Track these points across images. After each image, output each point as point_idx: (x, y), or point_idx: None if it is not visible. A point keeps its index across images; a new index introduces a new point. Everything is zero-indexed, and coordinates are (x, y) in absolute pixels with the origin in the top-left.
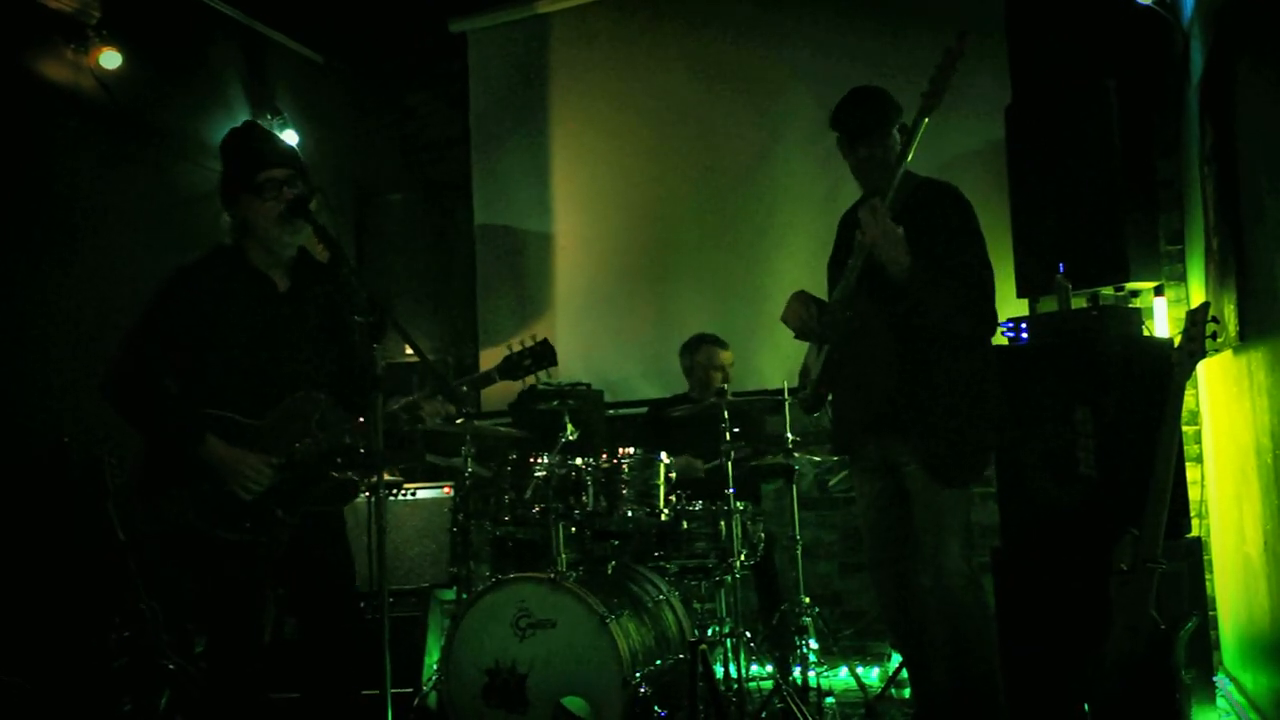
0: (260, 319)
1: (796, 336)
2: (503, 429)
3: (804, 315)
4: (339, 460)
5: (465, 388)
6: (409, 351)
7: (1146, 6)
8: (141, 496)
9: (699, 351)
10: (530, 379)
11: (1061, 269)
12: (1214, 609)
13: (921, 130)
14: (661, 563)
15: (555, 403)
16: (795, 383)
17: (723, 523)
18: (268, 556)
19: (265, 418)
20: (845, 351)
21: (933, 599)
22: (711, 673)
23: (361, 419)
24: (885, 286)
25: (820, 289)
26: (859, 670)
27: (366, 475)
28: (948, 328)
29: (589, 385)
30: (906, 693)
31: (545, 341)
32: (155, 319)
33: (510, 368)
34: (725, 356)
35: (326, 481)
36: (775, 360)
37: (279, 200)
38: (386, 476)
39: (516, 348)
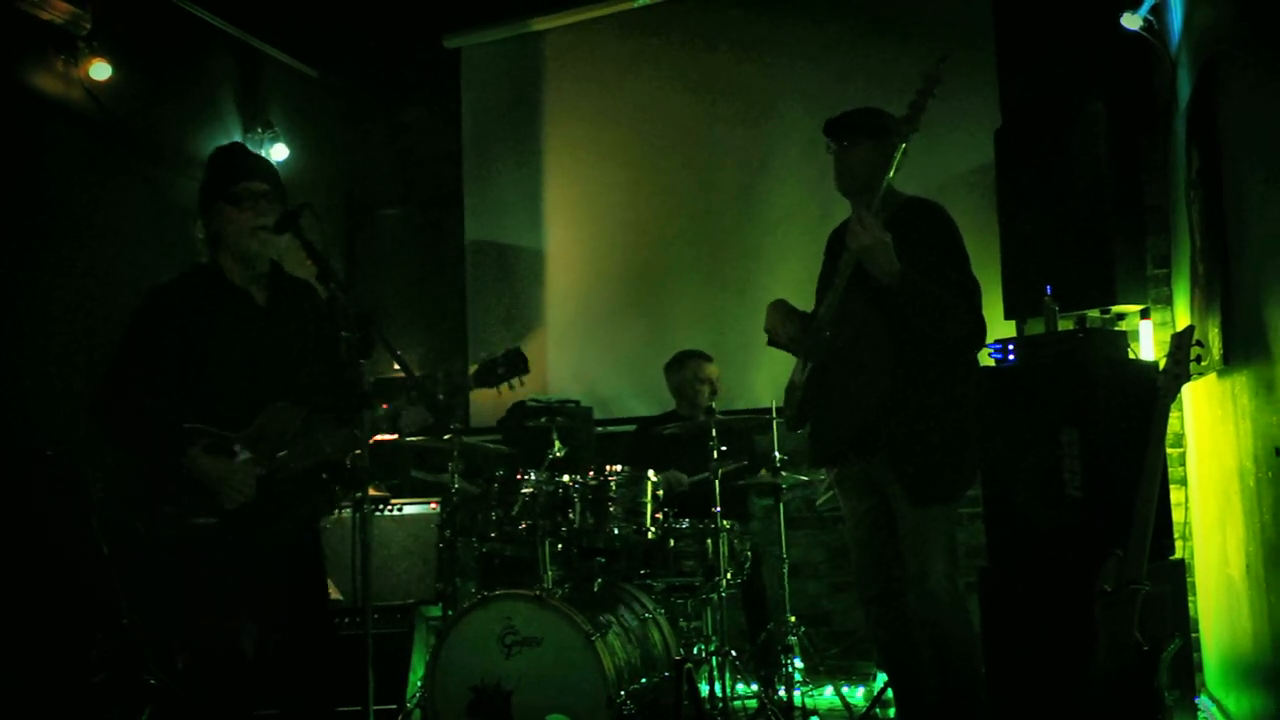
0: (239, 334)
1: (769, 343)
2: (491, 445)
3: (783, 325)
4: (321, 473)
5: (443, 396)
6: (397, 368)
7: (1134, 33)
8: (142, 509)
9: (685, 367)
10: (504, 388)
11: (1049, 291)
12: (1197, 630)
13: (900, 152)
14: (648, 580)
15: (544, 419)
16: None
17: (710, 541)
18: (266, 564)
19: (244, 430)
20: (828, 369)
21: (917, 619)
22: (697, 691)
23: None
24: (871, 302)
25: (811, 304)
26: (844, 690)
27: (352, 491)
28: (936, 336)
29: (578, 402)
30: (891, 713)
31: (518, 350)
32: (134, 341)
33: (484, 375)
34: (711, 370)
35: (308, 492)
36: (766, 378)
37: (254, 213)
38: (373, 492)
39: (491, 357)
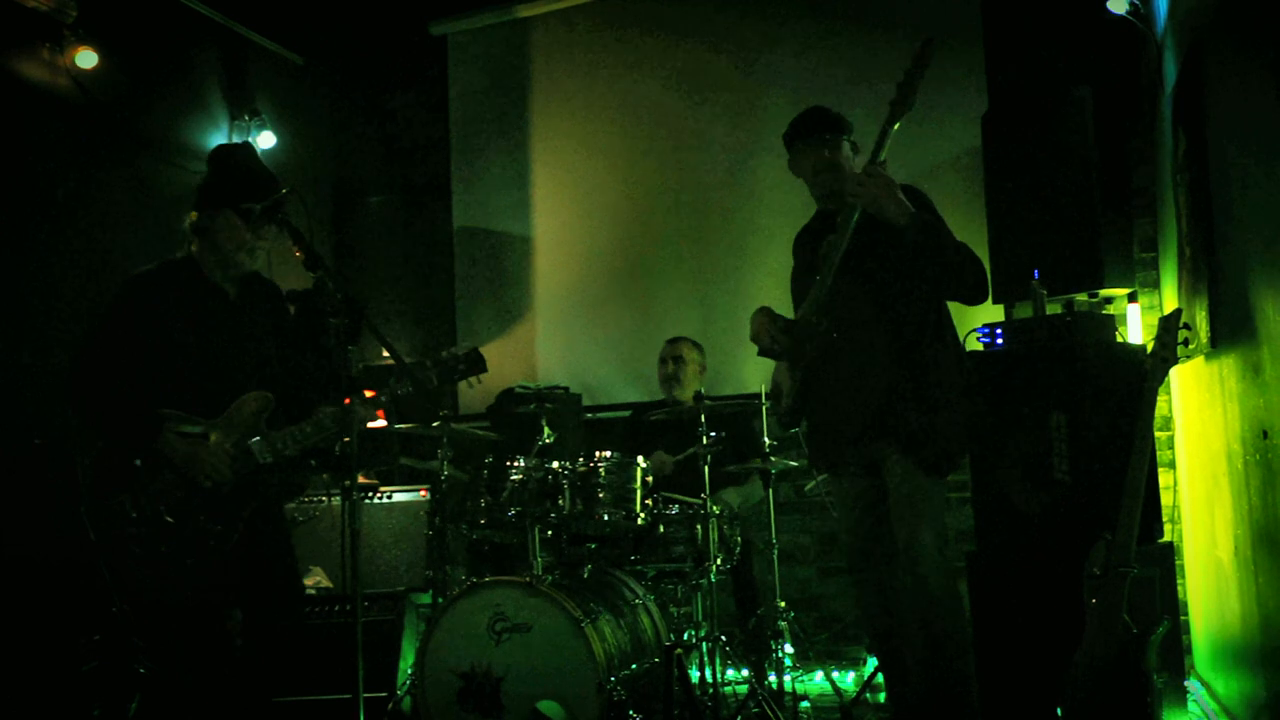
0: (213, 326)
1: (760, 353)
2: (479, 432)
3: (772, 331)
4: (311, 459)
5: (404, 389)
6: (386, 354)
7: (1121, 17)
8: (92, 500)
9: (660, 353)
10: (469, 384)
11: (1036, 275)
12: (1186, 613)
13: (892, 134)
14: (638, 566)
15: (533, 406)
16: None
17: (699, 527)
18: (221, 550)
19: (217, 418)
20: (821, 362)
21: (907, 593)
22: (687, 677)
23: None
24: (862, 288)
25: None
26: (834, 675)
27: (339, 478)
28: (951, 278)
29: (567, 388)
30: (882, 697)
31: (475, 349)
32: (111, 326)
33: (444, 371)
34: (677, 348)
35: (275, 478)
36: (754, 364)
37: (256, 236)
38: (362, 479)
39: (451, 353)
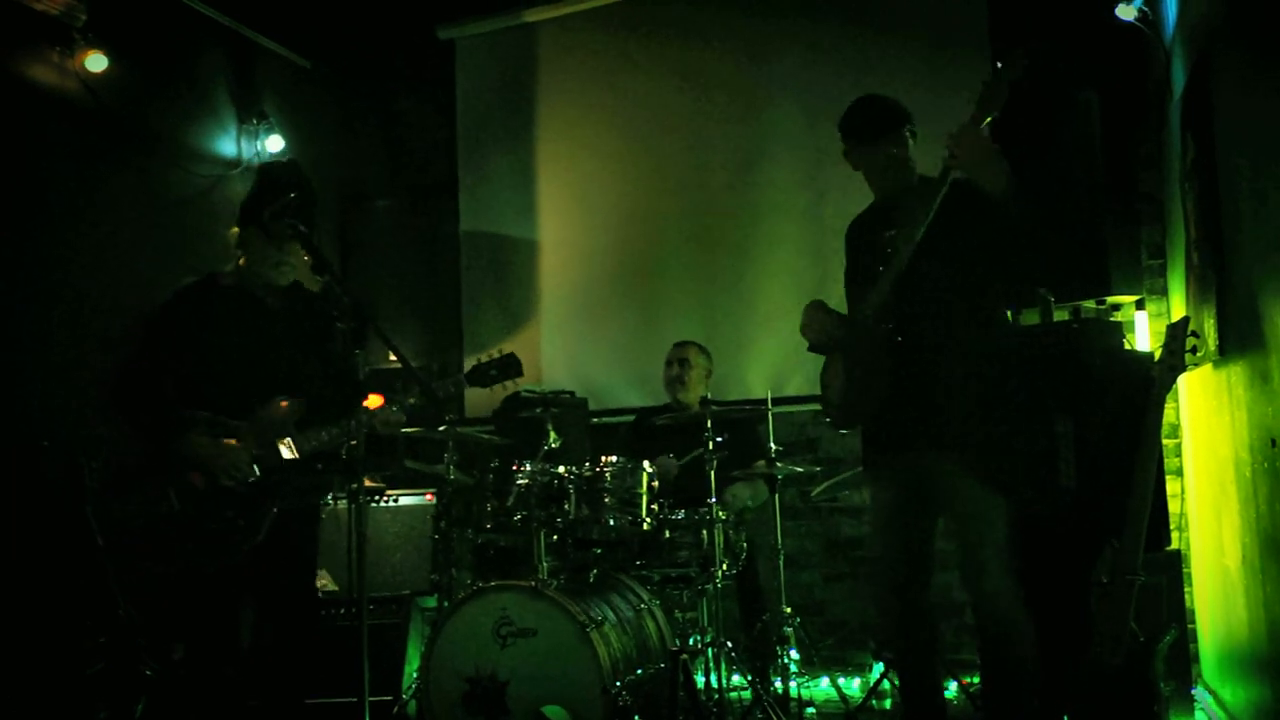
0: (249, 335)
1: (811, 348)
2: (485, 436)
3: (828, 326)
4: (319, 463)
5: (440, 393)
6: (393, 358)
7: (1129, 23)
8: (122, 490)
9: (666, 356)
10: (504, 387)
11: None
12: (1193, 621)
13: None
14: (643, 571)
15: (539, 410)
16: (779, 391)
17: (705, 532)
18: (245, 546)
19: (249, 419)
20: (879, 363)
21: (979, 622)
22: (692, 682)
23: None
24: (936, 282)
25: (803, 297)
26: (840, 680)
27: (346, 481)
28: (1045, 247)
29: (573, 393)
30: (888, 704)
31: (512, 354)
32: (154, 338)
33: (477, 376)
34: (684, 352)
35: (303, 477)
36: (759, 369)
37: (280, 252)
38: (368, 483)
39: (485, 359)
